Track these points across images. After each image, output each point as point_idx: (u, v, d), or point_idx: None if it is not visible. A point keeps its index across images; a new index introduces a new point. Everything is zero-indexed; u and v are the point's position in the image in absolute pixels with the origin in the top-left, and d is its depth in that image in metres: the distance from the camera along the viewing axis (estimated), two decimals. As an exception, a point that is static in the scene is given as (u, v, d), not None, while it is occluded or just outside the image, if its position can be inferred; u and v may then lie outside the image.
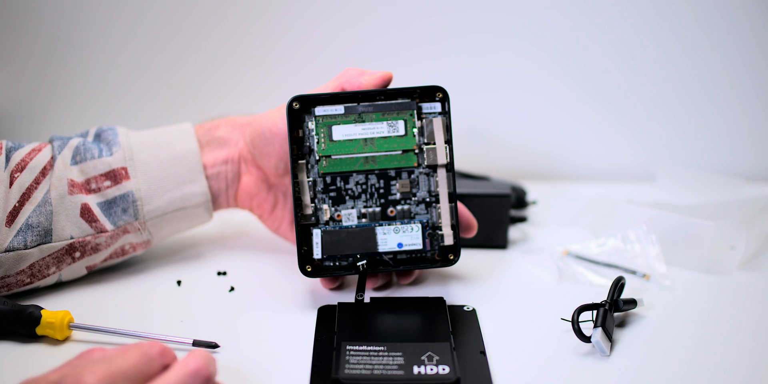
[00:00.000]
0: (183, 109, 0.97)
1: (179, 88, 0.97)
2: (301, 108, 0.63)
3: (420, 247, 0.64)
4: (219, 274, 0.71)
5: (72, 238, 0.64)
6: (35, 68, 0.97)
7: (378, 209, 0.64)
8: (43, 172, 0.64)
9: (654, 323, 0.62)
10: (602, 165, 0.99)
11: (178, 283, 0.69)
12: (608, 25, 0.93)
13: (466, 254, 0.72)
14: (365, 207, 0.64)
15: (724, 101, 0.96)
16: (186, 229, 0.71)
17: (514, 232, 0.81)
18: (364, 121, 0.63)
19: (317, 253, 0.63)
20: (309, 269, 0.64)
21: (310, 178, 0.64)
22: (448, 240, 0.64)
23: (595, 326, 0.56)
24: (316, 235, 0.63)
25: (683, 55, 0.94)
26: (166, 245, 0.76)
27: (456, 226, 0.64)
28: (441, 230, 0.64)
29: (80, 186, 0.64)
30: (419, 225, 0.64)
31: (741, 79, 0.94)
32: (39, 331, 0.58)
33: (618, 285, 0.61)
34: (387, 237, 0.64)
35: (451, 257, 0.64)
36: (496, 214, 0.76)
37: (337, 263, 0.64)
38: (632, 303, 0.61)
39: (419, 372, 0.52)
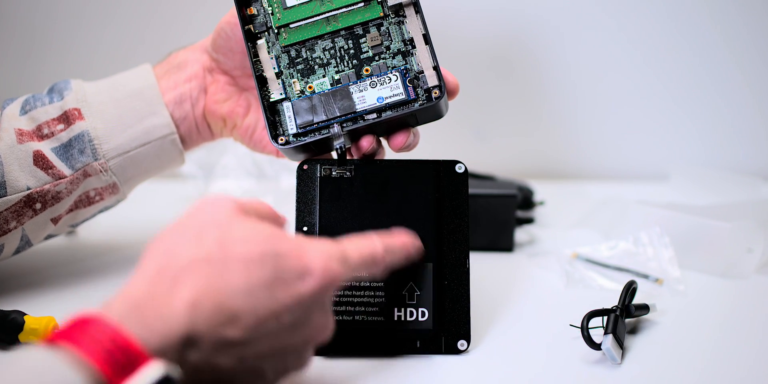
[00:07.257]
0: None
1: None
2: None
3: (404, 96, 0.59)
4: (212, 277, 0.69)
5: (28, 188, 0.62)
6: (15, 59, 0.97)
7: (351, 71, 0.60)
8: None
9: (667, 329, 0.61)
10: (613, 164, 0.99)
11: (170, 287, 0.68)
12: (620, 21, 0.93)
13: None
14: (337, 72, 0.60)
15: (739, 98, 0.95)
16: (155, 171, 0.68)
17: (520, 234, 0.80)
18: None
19: (291, 127, 0.59)
20: (282, 141, 0.59)
21: (273, 55, 0.61)
22: (432, 81, 0.59)
23: (606, 333, 0.55)
24: (287, 108, 0.60)
25: (696, 52, 0.94)
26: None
27: (437, 67, 0.59)
28: (422, 74, 0.59)
29: (30, 134, 0.62)
30: (397, 74, 0.59)
31: (757, 76, 0.94)
32: (22, 337, 0.56)
33: (629, 290, 0.60)
34: (364, 94, 0.59)
35: (436, 93, 0.59)
36: (502, 216, 0.75)
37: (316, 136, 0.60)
38: (644, 308, 0.60)
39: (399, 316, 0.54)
